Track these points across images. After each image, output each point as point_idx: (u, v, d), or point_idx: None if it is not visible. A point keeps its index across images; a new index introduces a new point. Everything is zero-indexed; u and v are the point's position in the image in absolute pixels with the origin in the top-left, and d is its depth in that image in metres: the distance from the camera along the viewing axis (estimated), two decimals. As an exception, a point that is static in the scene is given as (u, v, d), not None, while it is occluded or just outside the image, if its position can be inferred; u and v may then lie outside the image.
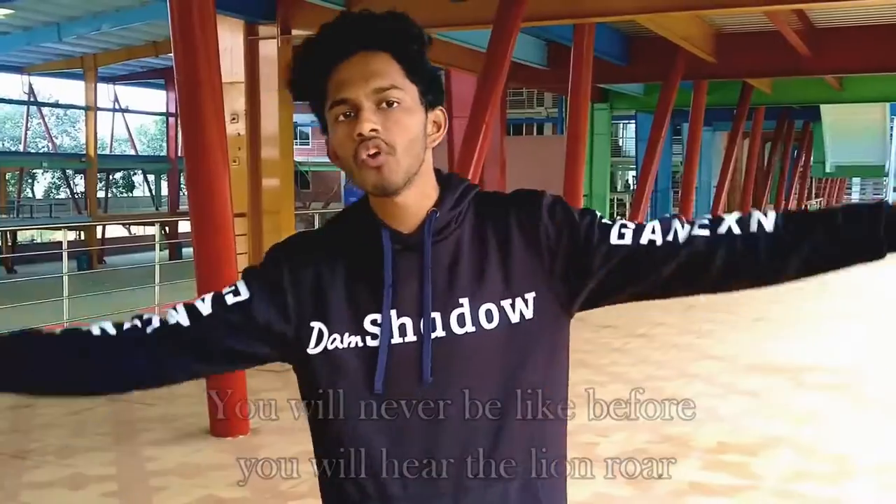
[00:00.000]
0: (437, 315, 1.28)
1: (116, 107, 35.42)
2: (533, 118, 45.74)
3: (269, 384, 6.68)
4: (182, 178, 42.64)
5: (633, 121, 30.19)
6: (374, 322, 1.30)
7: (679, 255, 1.30)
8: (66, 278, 8.68)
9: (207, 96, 5.11)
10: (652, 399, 6.28)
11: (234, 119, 9.90)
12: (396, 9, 1.35)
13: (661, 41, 12.49)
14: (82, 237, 29.14)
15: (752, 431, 5.57)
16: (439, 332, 1.27)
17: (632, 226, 1.32)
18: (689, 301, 11.07)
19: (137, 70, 28.53)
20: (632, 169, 44.66)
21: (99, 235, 31.73)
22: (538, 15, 8.99)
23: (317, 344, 1.33)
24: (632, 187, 36.48)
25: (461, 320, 1.28)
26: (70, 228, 19.83)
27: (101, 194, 35.37)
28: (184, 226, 41.40)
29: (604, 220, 1.33)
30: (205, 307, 1.34)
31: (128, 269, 16.99)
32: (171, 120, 36.34)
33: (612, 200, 22.19)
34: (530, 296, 1.30)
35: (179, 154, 38.13)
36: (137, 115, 49.07)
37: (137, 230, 41.06)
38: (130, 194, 52.59)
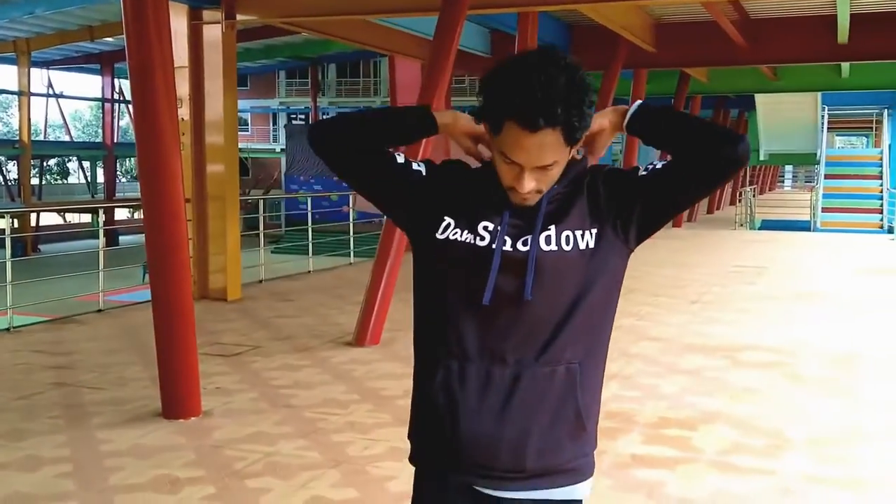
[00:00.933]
0: (528, 236, 1.79)
1: (50, 92, 34.59)
2: (476, 105, 45.92)
3: (218, 368, 6.72)
4: (118, 165, 41.85)
5: (574, 109, 30.57)
6: (485, 228, 1.81)
7: (671, 169, 1.84)
8: (8, 264, 8.54)
9: (160, 81, 5.11)
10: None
11: (177, 105, 9.83)
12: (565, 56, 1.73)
13: (603, 30, 12.70)
14: (16, 224, 28.45)
15: (691, 408, 5.78)
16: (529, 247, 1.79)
17: (644, 166, 1.88)
18: (629, 285, 11.30)
19: (72, 55, 27.86)
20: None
21: (33, 223, 31.02)
22: (483, 3, 9.12)
23: (443, 232, 1.84)
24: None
25: (548, 240, 1.79)
26: (2, 215, 19.36)
27: (34, 181, 34.56)
28: (120, 213, 40.69)
29: (635, 168, 1.87)
30: (402, 160, 1.95)
31: (66, 255, 16.67)
32: (108, 106, 35.62)
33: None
34: (594, 230, 1.81)
35: (116, 140, 37.48)
36: (72, 101, 47.97)
37: (72, 217, 40.23)
38: (65, 181, 51.46)
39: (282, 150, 46.38)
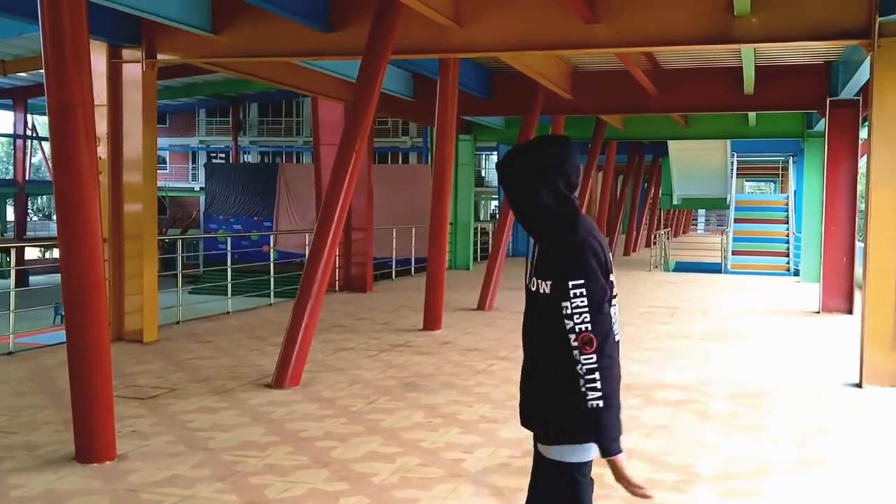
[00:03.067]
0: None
1: (-41, 127, 33.60)
2: (398, 147, 46.33)
3: (134, 411, 6.61)
4: (29, 203, 40.65)
5: (496, 152, 31.10)
6: None
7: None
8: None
9: (80, 120, 5.09)
10: (516, 417, 6.55)
11: (96, 143, 9.71)
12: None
13: (522, 77, 13.04)
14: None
15: (606, 445, 5.93)
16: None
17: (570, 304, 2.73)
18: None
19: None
20: (494, 198, 45.82)
21: (-62, 262, 29.89)
22: (406, 48, 9.29)
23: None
24: (496, 216, 37.27)
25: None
26: None
27: (-60, 218, 33.38)
28: (31, 252, 39.44)
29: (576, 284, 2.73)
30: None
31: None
32: (20, 142, 34.73)
33: (476, 229, 22.69)
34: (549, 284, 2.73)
35: (27, 177, 36.45)
36: (-18, 136, 46.62)
37: (-21, 256, 38.84)
38: (-28, 219, 49.75)
39: (201, 188, 45.84)
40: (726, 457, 5.74)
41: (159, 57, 9.73)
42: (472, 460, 5.52)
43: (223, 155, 50.88)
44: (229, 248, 14.72)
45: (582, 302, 2.64)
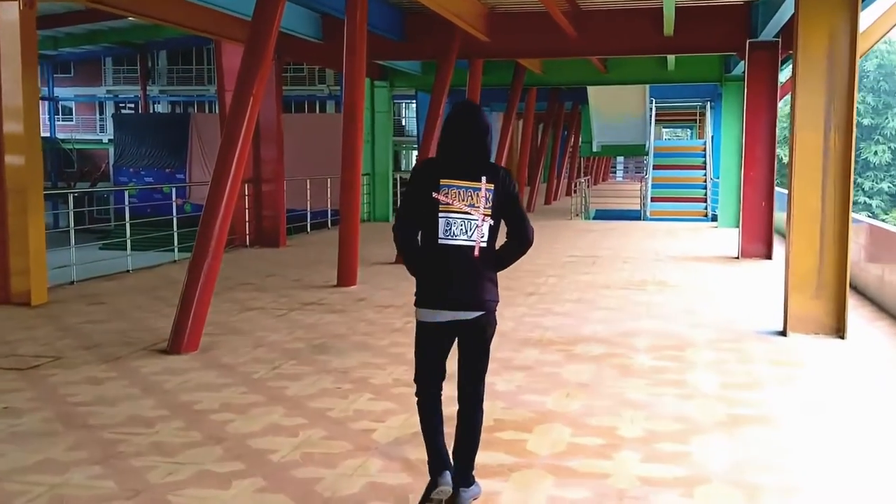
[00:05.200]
0: None
1: None
2: (315, 95, 45.08)
3: (10, 384, 5.99)
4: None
5: (414, 100, 30.44)
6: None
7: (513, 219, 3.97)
8: None
9: None
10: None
11: (-32, 88, 8.83)
12: None
13: (438, 19, 12.46)
14: None
15: (527, 407, 5.58)
16: None
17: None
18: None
19: None
20: (415, 148, 45.13)
21: None
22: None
23: None
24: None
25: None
26: None
27: None
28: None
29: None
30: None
31: None
32: None
33: (395, 179, 22.14)
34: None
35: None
36: None
37: None
38: None
39: (109, 140, 44.00)
40: (651, 416, 5.43)
41: (37, -6, 8.83)
42: (382, 430, 5.08)
43: (132, 105, 48.85)
44: (127, 201, 13.80)
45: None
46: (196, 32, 12.71)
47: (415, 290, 3.92)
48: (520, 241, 4.00)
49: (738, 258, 13.68)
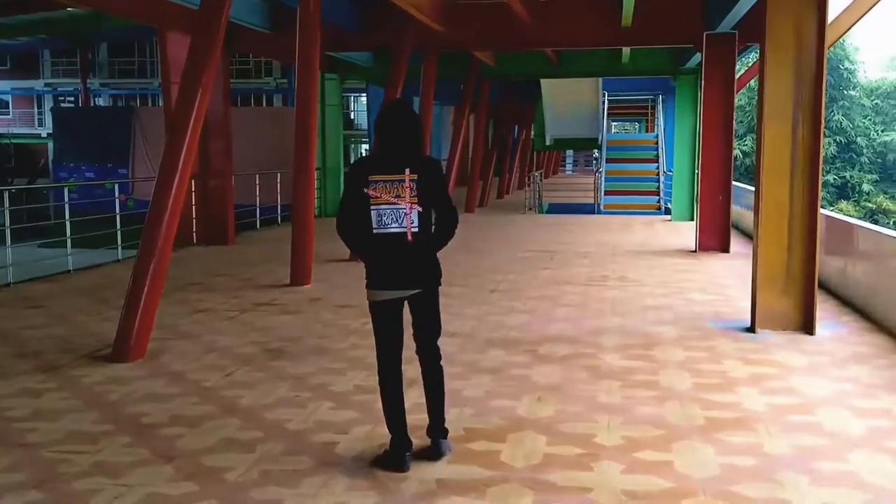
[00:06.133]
0: None
1: None
2: (262, 88, 44.25)
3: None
4: None
5: (365, 93, 29.98)
6: None
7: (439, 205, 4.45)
8: None
9: None
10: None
11: None
12: None
13: (393, 8, 12.10)
14: None
15: (497, 414, 5.30)
16: None
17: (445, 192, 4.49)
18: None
19: None
20: (365, 142, 44.58)
21: None
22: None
23: None
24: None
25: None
26: None
27: None
28: None
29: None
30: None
31: None
32: None
33: (346, 173, 21.70)
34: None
35: None
36: None
37: None
38: None
39: (49, 135, 42.67)
40: (628, 421, 5.18)
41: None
42: (346, 443, 4.75)
43: (72, 98, 47.47)
44: (66, 198, 13.18)
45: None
46: (139, 21, 12.19)
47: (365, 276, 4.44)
48: (446, 225, 4.45)
49: (695, 251, 13.58)
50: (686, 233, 15.69)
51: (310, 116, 10.21)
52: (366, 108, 31.58)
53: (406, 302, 4.43)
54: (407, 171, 4.29)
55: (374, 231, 4.30)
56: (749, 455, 4.63)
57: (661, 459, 4.56)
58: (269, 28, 13.54)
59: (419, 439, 4.62)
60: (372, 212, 4.28)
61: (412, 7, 11.67)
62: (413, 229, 4.32)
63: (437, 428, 4.56)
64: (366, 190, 4.27)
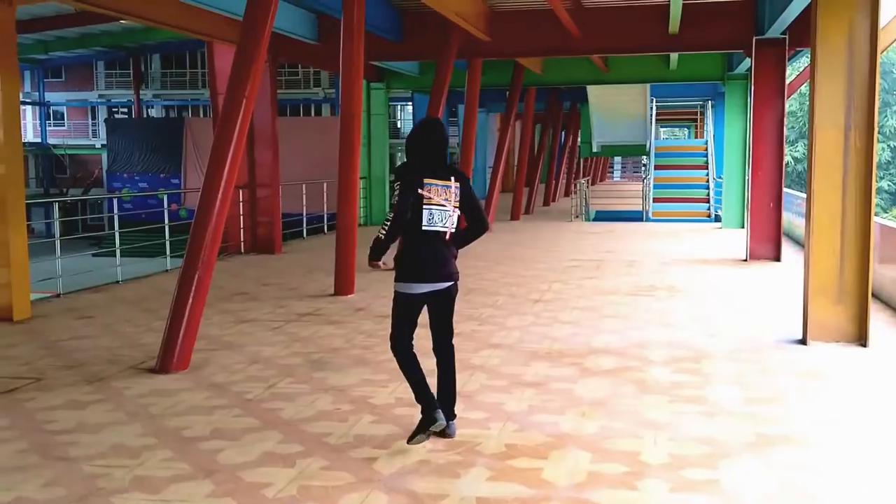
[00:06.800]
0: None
1: None
2: (310, 98, 44.64)
3: (-17, 411, 5.57)
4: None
5: (411, 102, 30.04)
6: None
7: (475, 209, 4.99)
8: None
9: None
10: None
11: (-55, 93, 8.43)
12: None
13: (436, 18, 12.10)
14: None
15: (540, 429, 5.19)
16: None
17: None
18: (467, 285, 10.77)
19: None
20: (410, 150, 44.61)
21: None
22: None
23: None
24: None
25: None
26: None
27: None
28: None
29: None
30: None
31: None
32: None
33: (391, 182, 21.75)
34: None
35: None
36: None
37: None
38: None
39: (102, 145, 43.48)
40: (674, 438, 5.05)
41: (17, -6, 8.44)
42: (385, 458, 4.69)
43: (125, 110, 48.34)
44: (116, 209, 13.38)
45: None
46: (188, 34, 12.34)
47: (397, 267, 4.84)
48: (480, 227, 5.02)
49: (746, 260, 13.32)
50: (736, 241, 15.39)
51: (354, 126, 10.21)
52: (411, 117, 31.58)
53: (431, 296, 4.86)
54: (452, 178, 4.84)
55: (424, 228, 4.74)
56: (801, 473, 4.47)
57: (708, 478, 4.42)
58: (315, 39, 13.61)
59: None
60: (424, 210, 4.73)
61: (456, 16, 11.64)
62: (451, 229, 4.84)
63: (451, 412, 5.03)
64: (420, 191, 4.71)
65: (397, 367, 6.62)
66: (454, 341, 5.10)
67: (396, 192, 4.73)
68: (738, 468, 4.56)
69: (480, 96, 17.95)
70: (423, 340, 5.08)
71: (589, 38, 13.51)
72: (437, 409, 4.83)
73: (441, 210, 4.77)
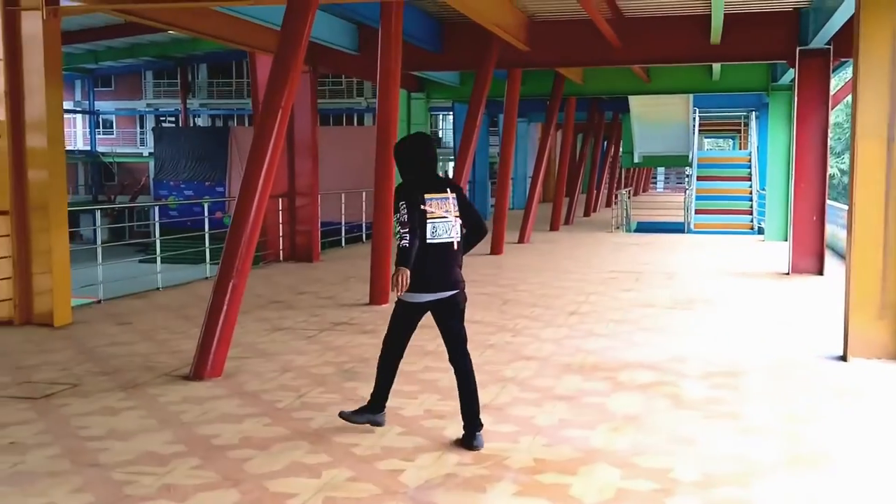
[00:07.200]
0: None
1: None
2: (353, 108, 44.92)
3: (19, 416, 5.68)
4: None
5: (451, 112, 30.09)
6: None
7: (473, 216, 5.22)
8: None
9: None
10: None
11: (-9, 102, 8.63)
12: None
13: (475, 28, 12.10)
14: None
15: (570, 444, 5.13)
16: None
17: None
18: (503, 295, 10.72)
19: None
20: (451, 160, 44.76)
21: None
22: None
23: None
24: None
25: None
26: None
27: None
28: None
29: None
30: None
31: None
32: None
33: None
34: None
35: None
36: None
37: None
38: None
39: (150, 153, 44.17)
40: (707, 455, 4.95)
41: (62, 4, 8.60)
42: (412, 471, 4.66)
43: (172, 118, 49.11)
44: (157, 216, 13.57)
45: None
46: (231, 45, 12.49)
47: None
48: (479, 232, 5.25)
49: (788, 274, 13.09)
50: (779, 254, 15.14)
51: (390, 135, 10.24)
52: (452, 127, 31.62)
53: (436, 305, 5.08)
54: (448, 190, 5.09)
55: (429, 241, 4.95)
56: (838, 494, 4.36)
57: (740, 497, 4.33)
58: (355, 49, 13.70)
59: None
60: (428, 224, 4.95)
61: (496, 27, 11.63)
62: (458, 239, 5.07)
63: (477, 422, 5.06)
64: (423, 206, 4.93)
65: (428, 378, 6.66)
66: (468, 349, 5.23)
67: (403, 212, 4.89)
68: (772, 487, 4.46)
69: (521, 106, 17.90)
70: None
71: (629, 48, 13.40)
72: (383, 412, 5.31)
73: (444, 222, 5.00)
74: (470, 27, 12.54)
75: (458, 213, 5.08)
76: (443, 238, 4.99)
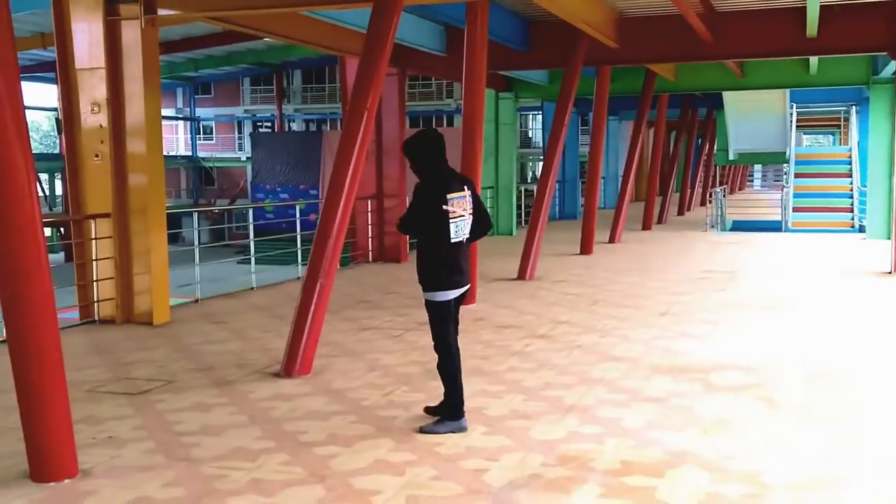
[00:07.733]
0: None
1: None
2: (442, 110, 45.18)
3: (117, 411, 5.88)
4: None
5: (540, 111, 29.93)
6: None
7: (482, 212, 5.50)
8: None
9: None
10: (552, 410, 5.72)
11: (94, 109, 9.00)
12: None
13: (563, 26, 12.00)
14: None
15: (658, 446, 5.02)
16: None
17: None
18: (591, 296, 10.60)
19: (26, 63, 26.80)
20: (541, 160, 44.51)
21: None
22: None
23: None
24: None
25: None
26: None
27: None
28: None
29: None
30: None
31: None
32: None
33: (521, 192, 21.63)
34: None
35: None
36: (28, 111, 46.43)
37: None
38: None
39: (247, 158, 45.34)
40: (801, 461, 4.79)
41: (160, 13, 8.90)
42: (496, 471, 4.65)
43: (268, 124, 50.31)
44: (251, 219, 13.90)
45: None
46: (321, 49, 12.70)
47: (430, 278, 5.27)
48: (485, 225, 5.49)
49: (890, 273, 12.55)
50: (881, 252, 14.52)
51: (476, 135, 10.24)
52: (541, 126, 31.44)
53: (455, 300, 5.37)
54: (465, 188, 5.32)
55: (452, 240, 5.20)
56: (940, 505, 4.16)
57: (836, 502, 4.17)
58: (442, 50, 13.75)
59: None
60: (451, 225, 5.19)
61: (584, 24, 11.50)
62: (468, 234, 5.35)
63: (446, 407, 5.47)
64: (445, 207, 5.15)
65: (513, 378, 6.64)
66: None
67: (418, 212, 5.20)
68: (867, 494, 4.29)
69: (612, 104, 17.65)
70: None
71: (721, 43, 13.06)
72: (464, 416, 5.36)
73: (462, 220, 5.26)
74: (557, 25, 12.44)
75: (472, 210, 5.33)
76: (461, 236, 5.25)
